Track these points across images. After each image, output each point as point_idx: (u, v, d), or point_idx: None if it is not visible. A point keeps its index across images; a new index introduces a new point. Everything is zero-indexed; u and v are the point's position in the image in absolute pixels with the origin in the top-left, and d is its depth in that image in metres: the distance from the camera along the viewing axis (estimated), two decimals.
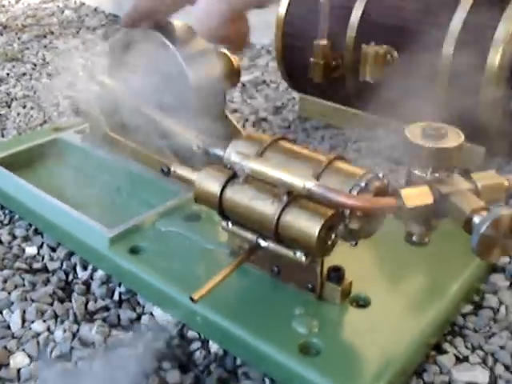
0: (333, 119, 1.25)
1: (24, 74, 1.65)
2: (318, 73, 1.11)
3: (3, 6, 2.33)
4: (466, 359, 0.70)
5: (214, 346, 0.70)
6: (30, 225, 0.94)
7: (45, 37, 1.99)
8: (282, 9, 1.21)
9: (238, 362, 0.68)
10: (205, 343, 0.71)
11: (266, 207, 0.62)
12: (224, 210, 0.66)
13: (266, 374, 0.66)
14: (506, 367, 0.69)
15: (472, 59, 0.99)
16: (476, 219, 0.52)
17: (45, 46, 1.90)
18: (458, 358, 0.70)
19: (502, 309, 0.77)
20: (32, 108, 1.42)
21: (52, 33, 2.03)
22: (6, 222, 0.96)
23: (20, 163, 1.04)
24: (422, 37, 1.03)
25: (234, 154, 0.65)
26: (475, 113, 1.00)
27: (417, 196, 0.56)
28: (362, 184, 0.61)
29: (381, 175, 0.63)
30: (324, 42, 1.10)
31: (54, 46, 1.90)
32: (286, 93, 1.47)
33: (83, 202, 0.93)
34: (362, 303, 0.70)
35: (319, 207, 0.60)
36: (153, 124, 0.91)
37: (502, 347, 0.71)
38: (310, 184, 0.57)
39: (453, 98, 1.02)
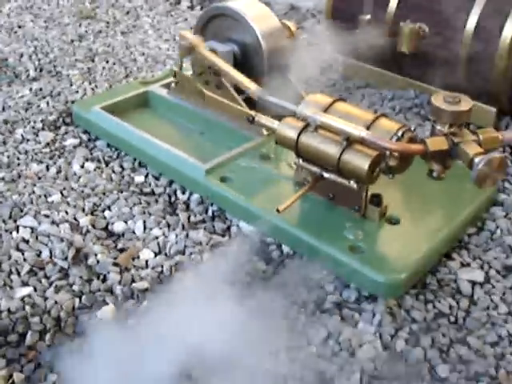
0: (372, 80, 1.48)
1: (100, 32, 1.90)
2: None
3: None
4: (468, 265, 0.97)
5: (285, 248, 0.97)
6: (135, 159, 1.21)
7: None
8: None
9: (304, 259, 0.96)
10: (279, 246, 0.98)
11: (331, 149, 0.88)
12: (299, 150, 0.93)
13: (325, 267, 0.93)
14: (497, 272, 0.96)
15: (488, 35, 1.21)
16: (476, 159, 0.78)
17: (112, 5, 2.14)
18: (462, 264, 0.97)
19: (498, 231, 1.03)
20: (114, 63, 1.67)
21: None
22: (114, 156, 1.23)
23: (118, 110, 1.30)
24: (448, 15, 1.26)
25: (306, 109, 0.91)
26: (490, 79, 1.23)
27: (437, 143, 0.81)
28: (399, 134, 0.86)
29: (412, 128, 0.89)
30: (368, 17, 1.33)
31: (120, 5, 2.13)
32: (331, 54, 1.69)
33: (174, 143, 1.20)
34: (394, 221, 0.97)
35: (368, 149, 0.86)
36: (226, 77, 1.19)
37: (495, 258, 0.98)
38: (364, 133, 0.83)
39: (472, 66, 1.25)
